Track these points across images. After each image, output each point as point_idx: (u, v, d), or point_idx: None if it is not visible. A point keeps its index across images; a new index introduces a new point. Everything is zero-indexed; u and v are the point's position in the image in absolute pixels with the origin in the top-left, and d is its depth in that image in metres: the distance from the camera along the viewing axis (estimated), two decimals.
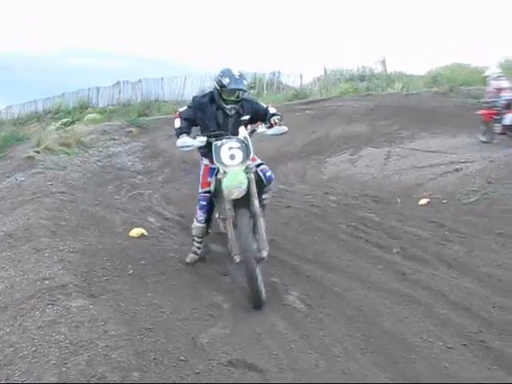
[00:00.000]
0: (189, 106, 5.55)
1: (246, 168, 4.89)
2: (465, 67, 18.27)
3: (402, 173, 10.36)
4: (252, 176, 4.91)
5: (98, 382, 3.19)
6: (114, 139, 13.86)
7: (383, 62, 21.59)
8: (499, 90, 11.88)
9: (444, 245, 6.05)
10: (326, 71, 22.27)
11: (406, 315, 4.33)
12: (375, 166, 11.27)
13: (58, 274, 4.79)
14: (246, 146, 5.01)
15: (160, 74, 23.49)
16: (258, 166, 5.41)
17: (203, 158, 5.69)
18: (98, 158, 12.03)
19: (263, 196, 5.44)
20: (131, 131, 14.65)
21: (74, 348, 3.57)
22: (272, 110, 5.60)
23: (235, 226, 4.75)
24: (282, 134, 5.38)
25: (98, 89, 26.00)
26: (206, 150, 5.31)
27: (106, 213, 7.79)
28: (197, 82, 23.72)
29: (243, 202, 4.82)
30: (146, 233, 6.67)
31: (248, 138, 5.09)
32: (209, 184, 5.41)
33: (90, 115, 19.50)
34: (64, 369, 3.34)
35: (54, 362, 3.42)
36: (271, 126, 5.38)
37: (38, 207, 7.30)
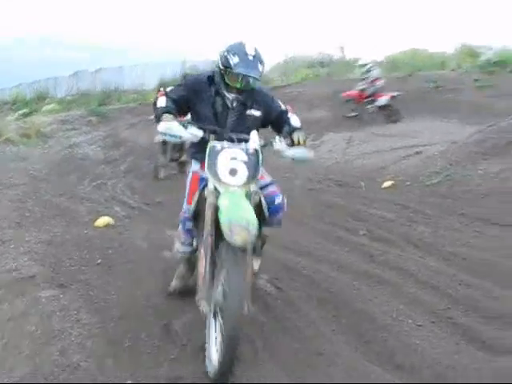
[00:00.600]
0: (179, 85, 3.96)
1: (248, 192, 3.39)
2: (422, 52, 18.54)
3: (364, 157, 10.52)
4: (256, 199, 3.51)
5: (73, 371, 3.16)
6: (75, 129, 13.69)
7: (342, 49, 21.73)
8: (374, 80, 14.04)
9: (409, 226, 6.18)
10: (286, 58, 22.32)
11: (375, 295, 4.38)
12: (338, 151, 11.42)
13: (24, 266, 4.70)
14: (256, 161, 3.48)
15: (120, 64, 23.04)
16: (264, 187, 3.84)
17: (192, 161, 4.07)
18: (59, 149, 11.86)
19: (261, 231, 3.86)
20: (91, 121, 14.48)
21: (47, 338, 3.52)
22: (294, 120, 3.92)
23: (214, 261, 3.37)
24: (305, 161, 3.77)
25: (55, 79, 25.42)
26: (198, 150, 3.82)
27: (70, 203, 7.70)
28: (156, 71, 23.43)
29: None
30: (112, 222, 6.60)
31: (260, 151, 3.54)
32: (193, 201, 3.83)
33: (48, 106, 19.07)
34: (37, 360, 3.29)
35: (26, 353, 3.37)
36: (292, 144, 3.69)
37: (1, 199, 7.15)
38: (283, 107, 4.02)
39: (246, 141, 3.56)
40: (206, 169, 3.44)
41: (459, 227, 5.98)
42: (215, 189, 3.36)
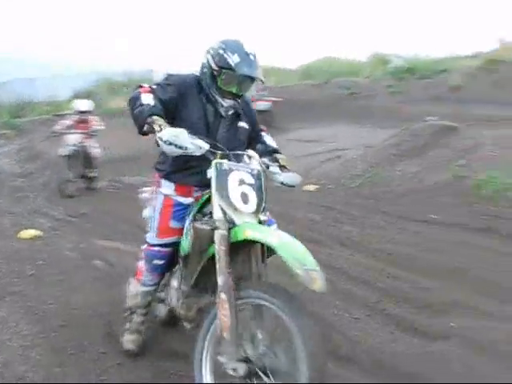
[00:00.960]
0: (166, 84, 3.08)
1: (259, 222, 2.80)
2: (336, 60, 19.14)
3: None
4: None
5: (20, 382, 3.07)
6: None
7: None
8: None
9: (336, 226, 6.39)
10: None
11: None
12: None
13: None
14: (261, 185, 2.90)
15: (32, 75, 22.35)
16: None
17: (160, 181, 3.26)
18: None
19: None
20: (5, 133, 13.94)
21: None
22: (270, 140, 3.46)
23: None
24: (294, 186, 3.20)
25: None
26: (173, 167, 3.16)
27: None
28: (70, 83, 22.88)
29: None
30: (39, 234, 6.42)
31: (263, 173, 2.98)
32: (171, 232, 3.18)
33: None
34: None
35: None
36: (280, 168, 3.21)
37: None
38: (258, 124, 3.48)
39: (240, 159, 3.03)
40: (213, 192, 2.72)
41: (384, 225, 6.25)
42: (225, 216, 2.68)
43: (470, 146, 8.47)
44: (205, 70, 3.08)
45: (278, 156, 3.26)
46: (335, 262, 5.12)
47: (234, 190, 2.76)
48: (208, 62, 3.06)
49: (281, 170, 3.15)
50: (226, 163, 2.81)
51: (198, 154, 2.73)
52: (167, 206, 3.18)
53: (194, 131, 2.82)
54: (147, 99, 2.85)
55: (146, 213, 3.43)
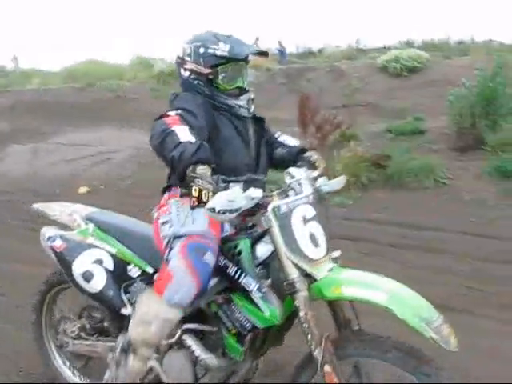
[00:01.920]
0: (192, 106, 2.33)
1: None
2: (100, 63, 19.02)
3: (55, 166, 10.50)
4: None
5: None
6: None
7: (15, 59, 20.96)
8: None
9: None
10: None
11: None
12: (25, 162, 11.13)
13: None
14: (323, 212, 2.32)
15: None
16: None
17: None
18: None
19: None
20: None
21: None
22: (288, 139, 2.87)
23: None
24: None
25: None
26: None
27: None
28: None
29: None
30: None
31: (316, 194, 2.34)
32: (219, 231, 2.39)
33: None
34: None
35: None
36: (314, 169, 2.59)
37: None
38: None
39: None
40: (282, 249, 2.11)
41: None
42: (299, 270, 2.11)
43: None
44: (195, 82, 2.50)
45: (310, 157, 2.69)
46: None
47: (302, 237, 2.16)
48: (193, 71, 2.49)
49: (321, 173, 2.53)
50: (283, 204, 2.15)
51: (250, 206, 2.03)
52: (185, 247, 2.32)
53: (235, 153, 2.43)
54: (184, 134, 2.09)
55: (166, 230, 2.44)
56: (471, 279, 4.61)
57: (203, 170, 1.99)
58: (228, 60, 2.44)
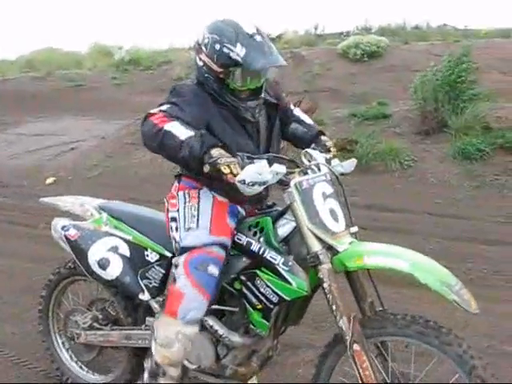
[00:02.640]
0: (179, 101, 2.29)
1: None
2: (58, 51, 18.65)
3: (18, 157, 10.36)
4: None
5: None
6: None
7: None
8: None
9: None
10: None
11: None
12: None
13: None
14: (339, 190, 2.38)
15: None
16: None
17: (200, 188, 2.49)
18: None
19: None
20: None
21: None
22: (306, 117, 2.88)
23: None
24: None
25: None
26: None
27: None
28: None
29: None
30: None
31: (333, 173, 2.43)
32: (228, 232, 2.39)
33: None
34: None
35: None
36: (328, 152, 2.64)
37: None
38: (284, 97, 2.83)
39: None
40: (305, 222, 2.16)
41: None
42: (321, 243, 2.16)
43: None
44: (206, 75, 2.38)
45: (326, 142, 2.68)
46: None
47: (324, 211, 2.23)
48: (205, 64, 2.36)
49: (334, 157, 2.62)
50: (304, 180, 2.24)
51: (274, 181, 2.11)
52: (221, 203, 2.44)
53: (242, 150, 2.25)
54: (180, 131, 2.10)
55: (174, 230, 2.50)
56: (440, 258, 4.81)
57: (218, 150, 2.05)
58: (239, 65, 2.28)
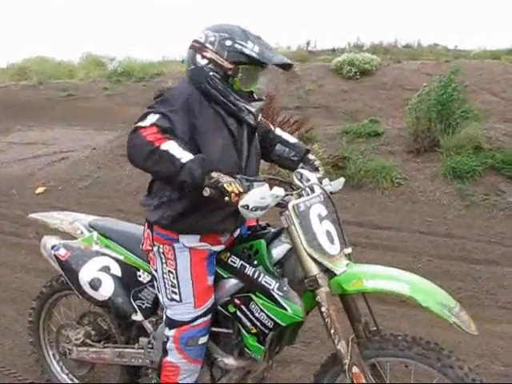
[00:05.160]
0: (170, 111, 2.18)
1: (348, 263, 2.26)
2: (50, 60, 18.65)
3: (7, 166, 10.28)
4: None
5: None
6: None
7: None
8: None
9: None
10: None
11: None
12: None
13: None
14: (333, 209, 2.35)
15: None
16: None
17: (173, 236, 2.37)
18: None
19: None
20: None
21: None
22: (289, 136, 2.80)
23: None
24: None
25: None
26: (195, 214, 2.31)
27: None
28: None
29: None
30: None
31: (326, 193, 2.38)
32: (210, 292, 2.38)
33: None
34: None
35: None
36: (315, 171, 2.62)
37: None
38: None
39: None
40: (304, 245, 2.13)
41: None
42: (318, 266, 2.14)
43: None
44: (211, 73, 2.26)
45: (315, 161, 2.67)
46: None
47: (321, 233, 2.20)
48: (212, 61, 2.26)
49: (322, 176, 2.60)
50: (302, 203, 2.21)
51: (273, 205, 2.08)
52: (199, 260, 2.36)
53: (224, 162, 2.22)
54: (179, 153, 2.03)
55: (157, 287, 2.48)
56: (429, 276, 4.82)
57: (216, 173, 2.01)
58: (253, 62, 2.24)
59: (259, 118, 2.48)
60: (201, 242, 2.35)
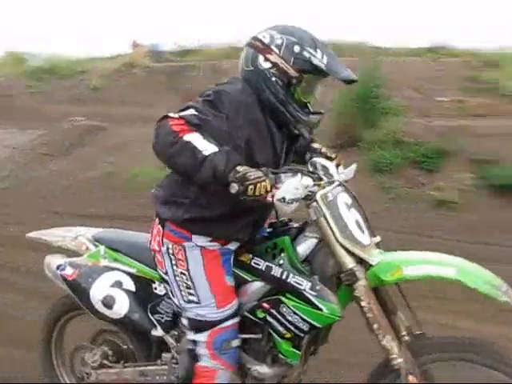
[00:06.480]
0: (213, 116, 2.00)
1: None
2: None
3: None
4: None
5: None
6: None
7: None
8: None
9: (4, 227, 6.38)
10: None
11: None
12: None
13: None
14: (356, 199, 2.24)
15: None
16: None
17: (187, 239, 2.22)
18: None
19: None
20: None
21: None
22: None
23: None
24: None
25: None
26: (203, 215, 2.17)
27: None
28: None
29: None
30: None
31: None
32: (231, 294, 2.24)
33: None
34: None
35: None
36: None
37: None
38: None
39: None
40: (337, 236, 2.01)
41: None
42: (353, 257, 2.04)
43: (118, 143, 9.11)
44: (273, 79, 2.09)
45: (321, 149, 2.53)
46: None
47: (351, 223, 2.08)
48: (276, 66, 2.09)
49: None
50: (329, 192, 2.09)
51: (303, 195, 1.97)
52: (211, 259, 2.21)
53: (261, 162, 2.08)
54: (202, 144, 1.90)
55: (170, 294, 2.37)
56: None
57: (242, 167, 1.86)
58: (319, 72, 2.09)
59: (313, 132, 2.35)
60: (212, 242, 2.21)
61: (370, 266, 2.03)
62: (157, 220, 2.31)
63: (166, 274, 2.28)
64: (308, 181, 2.00)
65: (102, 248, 2.62)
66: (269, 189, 1.86)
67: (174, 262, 2.24)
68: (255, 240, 2.31)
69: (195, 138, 1.90)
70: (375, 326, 2.00)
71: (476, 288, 1.88)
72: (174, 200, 2.20)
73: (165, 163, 1.99)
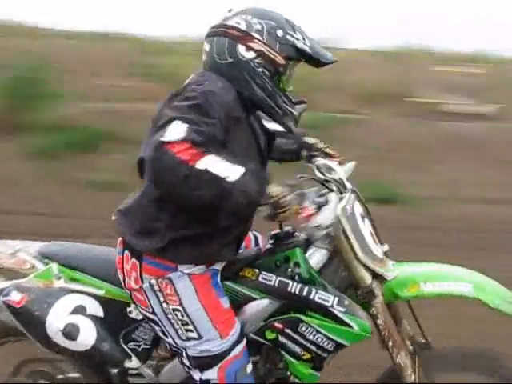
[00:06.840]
0: (205, 123, 1.63)
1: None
2: None
3: None
4: None
5: None
6: None
7: None
8: None
9: None
10: None
11: None
12: None
13: None
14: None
15: None
16: None
17: (172, 270, 1.89)
18: None
19: None
20: None
21: None
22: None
23: None
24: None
25: None
26: (187, 242, 1.87)
27: None
28: None
29: None
30: None
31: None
32: (232, 316, 1.94)
33: None
34: None
35: None
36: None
37: None
38: None
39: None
40: (357, 253, 1.87)
41: None
42: (369, 271, 1.92)
43: None
44: (259, 69, 1.85)
45: (317, 144, 2.33)
46: None
47: (368, 236, 1.98)
48: (262, 55, 1.84)
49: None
50: (347, 204, 1.94)
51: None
52: (202, 283, 1.93)
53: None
54: (220, 167, 1.62)
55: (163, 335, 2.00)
56: None
57: (273, 187, 1.70)
58: (303, 57, 1.92)
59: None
60: (198, 265, 1.93)
61: (385, 280, 1.99)
62: (127, 253, 1.97)
63: (153, 313, 1.97)
64: (337, 199, 1.92)
65: (54, 265, 2.15)
66: (299, 211, 1.74)
67: (162, 300, 1.94)
68: (242, 256, 2.12)
69: (211, 163, 1.64)
70: (390, 344, 1.97)
71: (497, 307, 1.89)
72: (148, 227, 1.91)
73: (179, 202, 1.76)
